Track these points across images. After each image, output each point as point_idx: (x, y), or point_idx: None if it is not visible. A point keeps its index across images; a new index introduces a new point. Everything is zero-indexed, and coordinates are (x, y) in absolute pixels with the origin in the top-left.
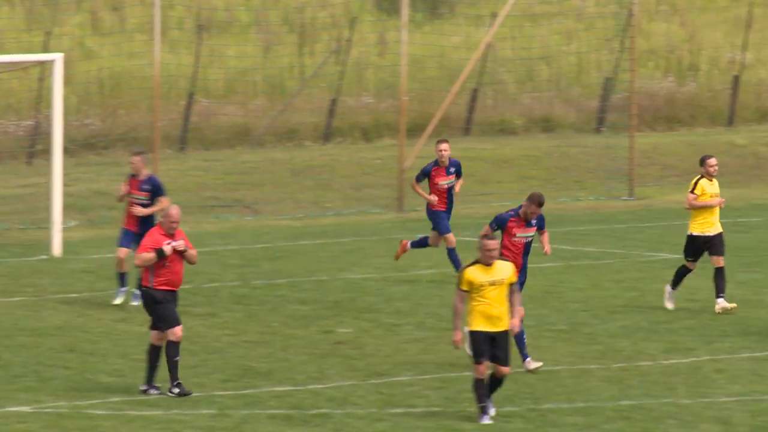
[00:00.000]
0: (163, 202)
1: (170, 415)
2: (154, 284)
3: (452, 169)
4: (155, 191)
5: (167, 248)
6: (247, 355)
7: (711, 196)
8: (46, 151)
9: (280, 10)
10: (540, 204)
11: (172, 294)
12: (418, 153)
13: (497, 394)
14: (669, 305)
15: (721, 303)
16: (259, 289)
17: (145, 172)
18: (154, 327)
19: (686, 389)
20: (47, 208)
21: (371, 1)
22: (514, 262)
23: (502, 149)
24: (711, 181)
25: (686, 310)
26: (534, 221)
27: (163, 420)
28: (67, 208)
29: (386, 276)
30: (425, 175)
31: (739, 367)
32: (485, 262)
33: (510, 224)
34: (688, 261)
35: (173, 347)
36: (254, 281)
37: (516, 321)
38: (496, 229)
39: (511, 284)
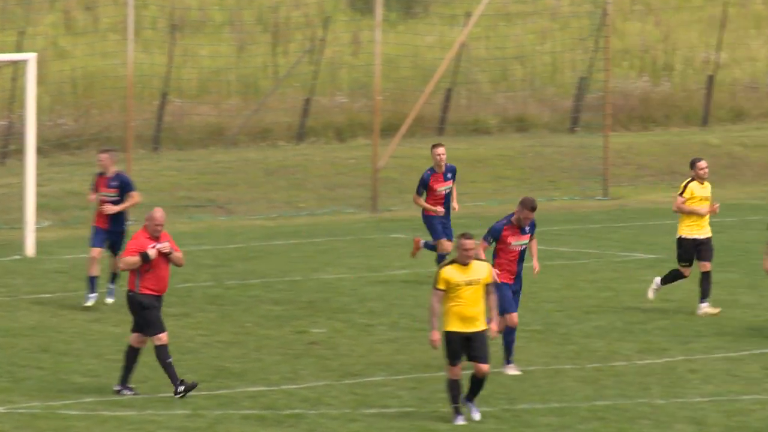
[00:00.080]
0: (134, 198)
1: (144, 416)
2: (140, 288)
3: (449, 175)
4: (124, 187)
5: (152, 252)
6: (220, 355)
7: (701, 200)
8: (19, 151)
9: (254, 10)
10: (533, 208)
11: (158, 299)
12: (392, 153)
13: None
14: (651, 295)
15: (705, 308)
16: (232, 289)
17: (112, 170)
18: (135, 330)
19: (661, 389)
20: (20, 208)
21: (345, 0)
22: (509, 270)
23: (476, 149)
24: (702, 184)
25: (661, 310)
26: (528, 228)
27: (136, 420)
28: (40, 208)
29: (360, 276)
30: (425, 185)
31: (713, 367)
32: (462, 261)
33: (504, 233)
34: (682, 266)
35: (163, 351)
36: (228, 281)
37: (495, 326)
38: (492, 242)
39: (487, 285)
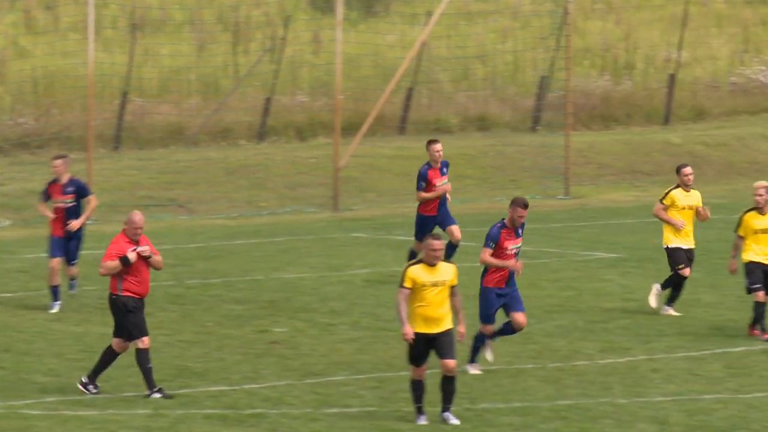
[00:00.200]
0: (92, 202)
1: (105, 415)
2: (123, 291)
3: (444, 170)
4: (80, 192)
5: (132, 255)
6: (182, 354)
7: (683, 209)
8: None
9: (215, 9)
10: (525, 205)
11: (140, 301)
12: (353, 152)
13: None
14: (653, 303)
15: (668, 310)
16: (193, 288)
17: (66, 176)
18: (117, 334)
19: (623, 389)
20: None
21: None
22: (500, 273)
23: None
24: (687, 191)
25: (622, 309)
26: (521, 231)
27: (98, 420)
28: (1, 207)
29: (321, 275)
30: (424, 179)
31: (675, 366)
32: (429, 262)
33: (502, 237)
34: (679, 269)
35: (144, 355)
36: (189, 281)
37: (463, 329)
38: (493, 246)
39: (453, 287)
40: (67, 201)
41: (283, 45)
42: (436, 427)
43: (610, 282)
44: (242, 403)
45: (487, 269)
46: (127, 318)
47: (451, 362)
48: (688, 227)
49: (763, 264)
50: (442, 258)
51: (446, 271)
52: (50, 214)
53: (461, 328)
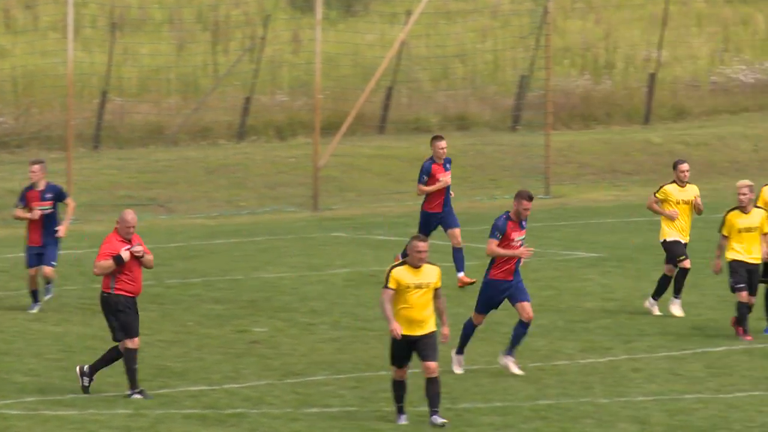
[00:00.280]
0: (71, 205)
1: (85, 415)
2: (115, 290)
3: (447, 166)
4: (58, 197)
5: (125, 254)
6: (161, 354)
7: (677, 203)
8: None
9: (194, 8)
10: (530, 197)
11: (132, 300)
12: (332, 151)
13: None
14: (677, 312)
15: (651, 305)
16: (173, 288)
17: (43, 182)
18: (117, 338)
19: (603, 388)
20: None
21: None
22: (507, 265)
23: (417, 148)
24: (683, 187)
25: (602, 309)
26: (524, 223)
27: (78, 420)
28: None
29: (301, 275)
30: (427, 173)
31: (656, 366)
32: (414, 264)
33: (509, 228)
34: (680, 260)
35: (132, 355)
36: (168, 280)
37: (447, 331)
38: (500, 237)
39: (436, 289)
40: (45, 208)
41: (262, 44)
42: (416, 427)
43: (590, 281)
44: (222, 403)
45: (494, 261)
46: (119, 317)
47: (432, 364)
48: (685, 222)
49: (747, 263)
50: (427, 260)
51: (430, 274)
52: (34, 215)
53: (445, 330)
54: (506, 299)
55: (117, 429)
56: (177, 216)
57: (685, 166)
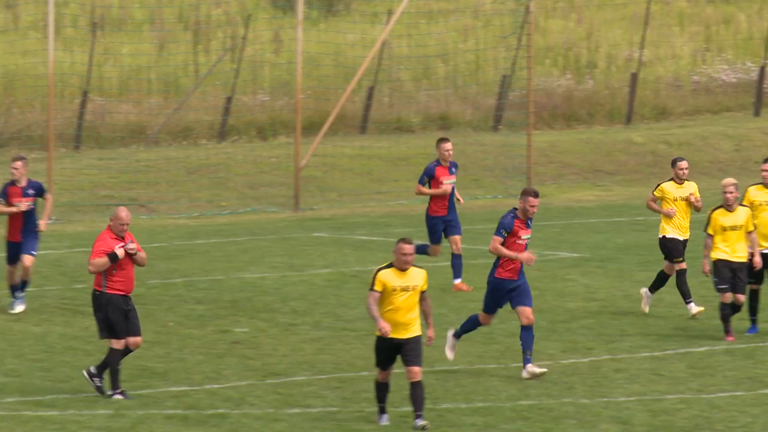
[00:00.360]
0: (50, 200)
1: (66, 416)
2: (107, 288)
3: (453, 169)
4: (39, 193)
5: (120, 251)
6: (143, 355)
7: (675, 201)
8: None
9: (175, 8)
10: (536, 194)
11: (125, 298)
12: (314, 151)
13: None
14: (695, 310)
15: (645, 296)
16: (154, 288)
17: (25, 178)
18: (102, 337)
19: (585, 389)
20: None
21: None
22: (513, 265)
23: (399, 147)
24: (681, 184)
25: (585, 309)
26: (530, 222)
27: (59, 420)
28: None
29: (283, 275)
30: (430, 175)
31: (638, 366)
32: (400, 267)
33: (516, 226)
34: (677, 262)
35: (117, 355)
36: (150, 281)
37: (432, 334)
38: (505, 235)
39: (422, 292)
40: (28, 204)
41: (243, 44)
42: (398, 428)
43: (572, 282)
44: (204, 404)
45: (499, 260)
46: (107, 316)
47: (416, 369)
48: (684, 219)
49: (732, 262)
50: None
51: (417, 277)
52: (21, 207)
53: (431, 333)
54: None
55: (98, 430)
56: (158, 216)
57: (684, 164)
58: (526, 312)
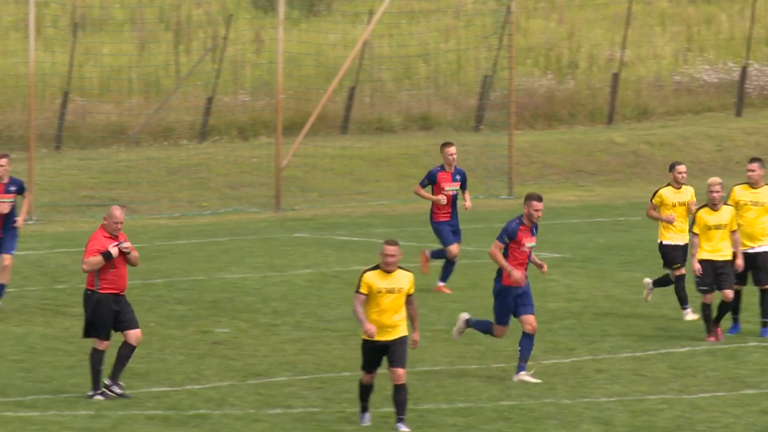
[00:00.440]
0: (28, 197)
1: (47, 416)
2: (100, 288)
3: (458, 177)
4: (20, 190)
5: (114, 250)
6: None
7: (673, 206)
8: None
9: (156, 8)
10: (539, 199)
11: (116, 297)
12: (295, 151)
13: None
14: (689, 317)
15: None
16: (135, 288)
17: (7, 176)
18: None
19: (567, 389)
20: None
21: None
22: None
23: (380, 147)
24: (678, 189)
25: (566, 310)
26: (535, 231)
27: (39, 421)
28: None
29: (264, 276)
30: (431, 179)
31: (619, 367)
32: (384, 269)
33: (520, 233)
34: (675, 268)
35: (98, 356)
36: (131, 281)
37: (417, 337)
38: (507, 241)
39: (409, 295)
40: (9, 200)
41: (224, 44)
42: (379, 428)
43: (554, 282)
44: (185, 404)
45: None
46: (95, 316)
47: (401, 371)
48: (684, 223)
49: (715, 261)
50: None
51: (403, 279)
52: (3, 210)
53: (416, 336)
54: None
55: (79, 430)
56: (139, 216)
57: (682, 168)
58: (530, 320)
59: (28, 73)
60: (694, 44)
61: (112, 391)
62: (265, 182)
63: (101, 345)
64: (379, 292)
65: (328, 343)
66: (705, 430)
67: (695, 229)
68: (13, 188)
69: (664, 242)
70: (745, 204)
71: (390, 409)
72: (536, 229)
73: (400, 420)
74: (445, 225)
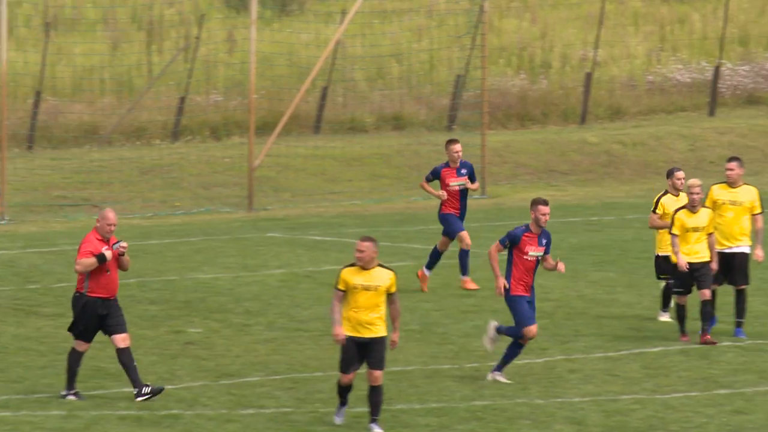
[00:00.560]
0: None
1: (19, 417)
2: (89, 291)
3: (464, 171)
4: None
5: (108, 253)
6: (96, 355)
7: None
8: None
9: (128, 8)
10: (545, 202)
11: (105, 302)
12: (267, 151)
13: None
14: (663, 318)
15: (664, 316)
16: None
17: None
18: (112, 334)
19: (540, 389)
20: None
21: None
22: (524, 281)
23: (353, 147)
24: (677, 196)
25: (539, 310)
26: (544, 240)
27: (11, 421)
28: None
29: (236, 276)
30: (435, 175)
31: (592, 366)
32: (359, 265)
33: (524, 239)
34: (662, 278)
35: (76, 356)
36: None
37: (397, 338)
38: (508, 245)
39: (391, 294)
40: None
41: (197, 44)
42: (351, 429)
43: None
44: (157, 404)
45: (511, 276)
46: (81, 318)
47: (378, 373)
48: None
49: (691, 263)
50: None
51: (381, 277)
52: None
53: (395, 337)
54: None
55: (51, 430)
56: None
57: (681, 174)
58: (532, 330)
59: (0, 72)
60: (667, 44)
61: (146, 394)
62: (238, 182)
63: (81, 347)
64: (355, 288)
65: (301, 344)
66: (678, 430)
67: (674, 231)
68: None
69: (660, 255)
70: (724, 203)
71: (364, 409)
72: (547, 241)
73: (373, 421)
74: (454, 215)
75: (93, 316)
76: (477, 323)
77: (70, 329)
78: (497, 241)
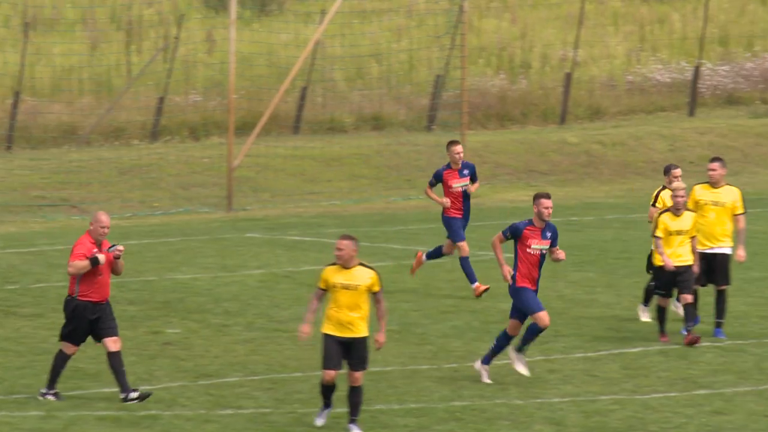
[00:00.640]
0: None
1: None
2: (79, 295)
3: (466, 171)
4: None
5: (101, 257)
6: (75, 356)
7: None
8: None
9: (107, 8)
10: (548, 196)
11: (95, 306)
12: (246, 151)
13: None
14: (643, 317)
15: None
16: None
17: None
18: (106, 336)
19: (519, 390)
20: None
21: None
22: (528, 275)
23: (332, 147)
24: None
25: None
26: (549, 234)
27: None
28: None
29: (215, 276)
30: (438, 179)
31: (572, 367)
32: (339, 263)
33: (526, 233)
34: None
35: (62, 358)
36: None
37: (382, 338)
38: (509, 237)
39: (375, 294)
40: None
41: (176, 44)
42: (330, 430)
43: (505, 282)
44: (135, 405)
45: (517, 270)
46: (71, 321)
47: (358, 374)
48: None
49: (675, 266)
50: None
51: (362, 276)
52: None
53: (381, 337)
54: (510, 307)
55: (29, 431)
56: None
57: (678, 171)
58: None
59: None
60: (646, 44)
61: (133, 399)
62: (217, 182)
63: (69, 349)
64: (335, 286)
65: (280, 344)
66: (657, 430)
67: (658, 233)
68: None
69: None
70: (706, 204)
71: (343, 409)
72: (552, 234)
73: (352, 421)
74: (457, 220)
75: (83, 320)
76: (456, 323)
77: (65, 336)
78: (500, 232)
